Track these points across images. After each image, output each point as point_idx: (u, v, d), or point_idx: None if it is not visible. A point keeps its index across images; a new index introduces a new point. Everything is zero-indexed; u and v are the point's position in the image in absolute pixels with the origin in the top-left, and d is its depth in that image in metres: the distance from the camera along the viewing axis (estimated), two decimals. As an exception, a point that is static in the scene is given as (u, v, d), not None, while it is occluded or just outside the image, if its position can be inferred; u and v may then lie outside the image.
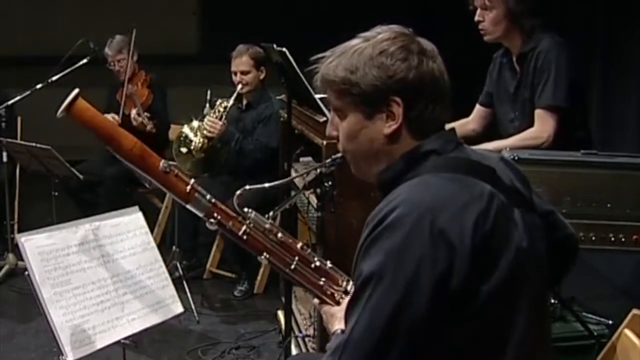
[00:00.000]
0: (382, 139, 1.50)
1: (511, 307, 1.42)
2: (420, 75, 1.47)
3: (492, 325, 1.41)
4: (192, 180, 1.71)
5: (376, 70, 1.46)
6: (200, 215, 1.70)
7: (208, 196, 1.70)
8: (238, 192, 1.78)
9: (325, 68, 1.54)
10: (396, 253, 1.34)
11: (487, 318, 1.39)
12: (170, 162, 1.73)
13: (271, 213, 1.83)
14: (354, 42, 1.52)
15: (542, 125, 3.04)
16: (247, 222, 1.69)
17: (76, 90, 1.67)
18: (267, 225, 1.70)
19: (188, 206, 1.70)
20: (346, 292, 1.67)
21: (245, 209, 1.70)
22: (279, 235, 1.70)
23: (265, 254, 1.69)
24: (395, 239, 1.35)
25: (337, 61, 1.51)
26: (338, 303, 1.67)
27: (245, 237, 1.69)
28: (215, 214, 1.69)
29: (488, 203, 1.40)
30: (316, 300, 1.71)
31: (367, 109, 1.50)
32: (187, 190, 1.69)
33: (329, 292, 1.68)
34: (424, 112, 1.49)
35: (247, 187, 1.87)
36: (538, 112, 3.06)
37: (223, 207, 1.71)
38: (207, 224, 1.70)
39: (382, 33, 1.51)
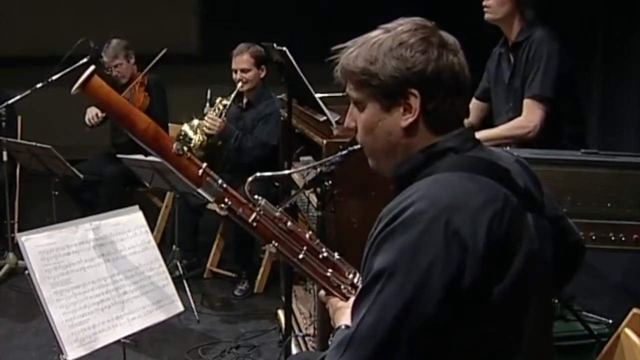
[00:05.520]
0: (399, 131, 1.49)
1: (521, 310, 1.42)
2: (439, 69, 1.45)
3: (502, 327, 1.40)
4: (205, 164, 1.68)
5: (395, 62, 1.45)
6: (211, 200, 1.68)
7: (220, 181, 1.68)
8: (250, 178, 1.76)
9: (345, 58, 1.52)
10: (409, 251, 1.33)
11: (497, 320, 1.39)
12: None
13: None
14: (375, 33, 1.51)
15: (529, 115, 3.09)
16: (258, 209, 1.67)
17: (92, 67, 1.64)
18: (277, 214, 1.68)
19: (199, 190, 1.67)
20: (353, 285, 1.66)
21: (256, 197, 1.69)
22: (289, 224, 1.68)
23: (274, 242, 1.67)
24: (409, 236, 1.33)
25: (357, 52, 1.50)
26: (344, 295, 1.66)
27: (255, 224, 1.67)
28: (226, 200, 1.67)
29: (503, 205, 1.39)
30: (322, 292, 1.70)
31: (385, 101, 1.48)
32: (199, 174, 1.66)
33: (335, 284, 1.67)
34: (441, 106, 1.47)
35: (258, 174, 1.85)
36: (526, 102, 3.12)
37: (234, 192, 1.69)
38: (218, 209, 1.68)
39: (403, 25, 1.49)
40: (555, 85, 3.06)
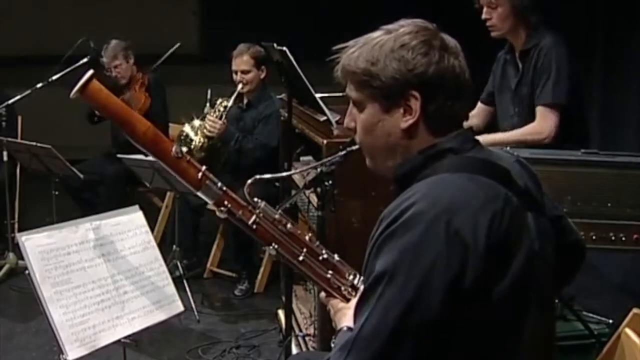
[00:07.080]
0: (398, 133, 1.50)
1: (522, 309, 1.42)
2: (440, 71, 1.46)
3: (502, 327, 1.41)
4: (204, 167, 1.68)
5: (396, 63, 1.45)
6: (210, 202, 1.68)
7: (219, 184, 1.68)
8: (249, 181, 1.76)
9: (346, 58, 1.53)
10: (411, 252, 1.33)
11: (498, 320, 1.39)
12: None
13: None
14: (377, 33, 1.51)
15: (544, 122, 3.09)
16: (257, 211, 1.67)
17: (90, 71, 1.64)
18: (277, 216, 1.69)
19: (198, 193, 1.67)
20: (353, 286, 1.67)
21: (255, 199, 1.69)
22: (288, 226, 1.68)
23: (274, 244, 1.67)
24: (410, 237, 1.34)
25: (358, 52, 1.50)
26: (345, 296, 1.66)
27: (254, 226, 1.67)
28: (226, 202, 1.67)
29: (503, 205, 1.39)
30: (323, 294, 1.70)
31: (385, 102, 1.49)
32: (199, 177, 1.66)
33: (335, 285, 1.67)
34: (442, 108, 1.48)
35: (258, 176, 1.85)
36: (539, 109, 3.11)
37: (233, 195, 1.68)
38: (217, 212, 1.68)
39: (404, 26, 1.50)
40: (567, 91, 3.07)
